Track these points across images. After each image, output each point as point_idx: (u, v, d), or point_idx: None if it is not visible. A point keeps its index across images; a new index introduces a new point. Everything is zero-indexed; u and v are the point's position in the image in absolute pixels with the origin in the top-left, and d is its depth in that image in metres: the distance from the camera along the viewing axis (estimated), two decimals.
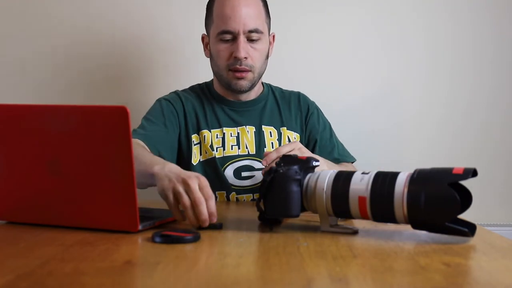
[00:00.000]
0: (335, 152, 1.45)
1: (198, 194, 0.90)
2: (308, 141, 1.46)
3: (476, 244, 0.81)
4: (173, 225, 0.94)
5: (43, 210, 0.91)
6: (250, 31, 1.32)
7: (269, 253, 0.75)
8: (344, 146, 1.51)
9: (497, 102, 1.82)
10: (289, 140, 1.43)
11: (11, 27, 1.81)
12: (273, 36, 1.44)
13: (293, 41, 1.81)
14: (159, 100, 1.43)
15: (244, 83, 1.36)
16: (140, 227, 0.86)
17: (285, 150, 1.09)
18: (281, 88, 1.54)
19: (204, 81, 1.51)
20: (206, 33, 1.43)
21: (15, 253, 0.74)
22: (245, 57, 1.33)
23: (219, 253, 0.75)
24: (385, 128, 1.81)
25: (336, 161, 1.41)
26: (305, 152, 1.13)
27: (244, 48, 1.32)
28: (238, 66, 1.33)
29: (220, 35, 1.33)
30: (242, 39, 1.32)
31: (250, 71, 1.35)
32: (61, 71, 1.81)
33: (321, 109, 1.53)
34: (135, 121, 1.36)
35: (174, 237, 0.80)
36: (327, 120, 1.52)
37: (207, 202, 0.90)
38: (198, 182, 0.92)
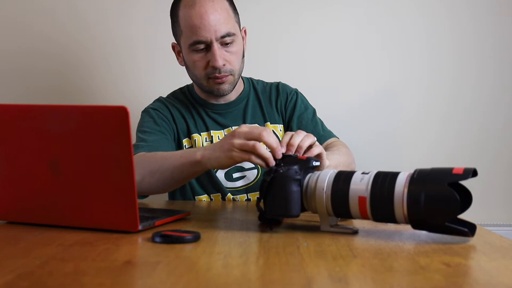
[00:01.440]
0: (319, 129, 1.43)
1: (255, 132, 0.95)
2: (288, 125, 1.44)
3: (476, 244, 0.81)
4: (173, 225, 0.94)
5: (43, 210, 0.91)
6: (223, 37, 1.29)
7: (269, 253, 0.75)
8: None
9: (498, 102, 1.82)
10: (276, 134, 1.41)
11: (11, 26, 1.81)
12: (245, 31, 1.41)
13: (293, 42, 1.81)
14: (146, 111, 1.41)
15: (226, 87, 1.34)
16: (140, 227, 0.86)
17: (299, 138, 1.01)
18: (263, 82, 1.52)
19: (185, 84, 1.49)
20: (175, 42, 1.40)
21: (15, 253, 0.74)
22: (223, 64, 1.30)
23: (219, 253, 0.75)
24: (386, 129, 1.81)
25: (323, 138, 1.39)
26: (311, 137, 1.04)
27: (220, 56, 1.28)
28: (217, 75, 1.31)
29: (193, 46, 1.30)
30: (216, 46, 1.28)
31: (231, 74, 1.33)
32: (61, 70, 1.81)
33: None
34: (135, 121, 1.37)
35: (174, 237, 0.80)
36: (310, 105, 1.50)
37: (266, 131, 0.95)
38: (242, 127, 0.97)
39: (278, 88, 1.49)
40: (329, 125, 1.50)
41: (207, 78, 1.33)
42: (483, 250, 0.78)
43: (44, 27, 1.80)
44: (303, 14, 1.80)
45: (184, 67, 1.41)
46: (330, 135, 1.44)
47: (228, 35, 1.29)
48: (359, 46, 1.82)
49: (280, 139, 1.39)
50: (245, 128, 0.98)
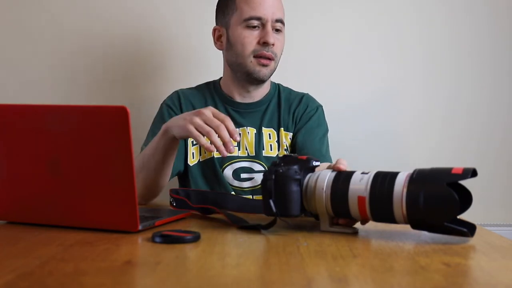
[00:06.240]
0: (323, 150, 1.41)
1: (216, 122, 1.05)
2: (295, 134, 1.43)
3: (476, 244, 0.81)
4: (173, 225, 0.94)
5: (43, 210, 0.91)
6: (277, 21, 1.35)
7: (269, 253, 0.75)
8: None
9: (498, 102, 1.82)
10: (285, 142, 1.42)
11: (12, 27, 1.81)
12: None
13: (293, 42, 1.81)
14: (161, 106, 1.44)
15: (266, 72, 1.36)
16: (140, 227, 0.86)
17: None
18: (290, 89, 1.52)
19: (212, 80, 1.51)
20: (217, 26, 1.43)
21: (15, 253, 0.74)
22: (273, 44, 1.34)
23: (219, 253, 0.75)
24: (387, 129, 1.81)
25: (323, 159, 1.36)
26: None
27: (273, 35, 1.34)
28: (265, 52, 1.33)
29: (247, 21, 1.33)
30: (270, 25, 1.33)
31: (274, 60, 1.36)
32: (62, 70, 1.81)
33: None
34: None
35: (174, 237, 0.80)
36: (325, 123, 1.48)
37: (225, 123, 1.05)
38: (208, 110, 1.07)
39: (302, 99, 1.48)
40: (329, 124, 1.50)
41: (253, 56, 1.35)
42: (483, 250, 0.78)
43: (47, 25, 1.80)
44: (303, 15, 1.80)
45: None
46: (329, 160, 1.41)
47: (281, 22, 1.37)
48: (359, 46, 1.82)
49: (288, 146, 1.41)
50: (209, 113, 1.07)
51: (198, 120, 1.06)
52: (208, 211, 1.05)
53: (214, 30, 1.44)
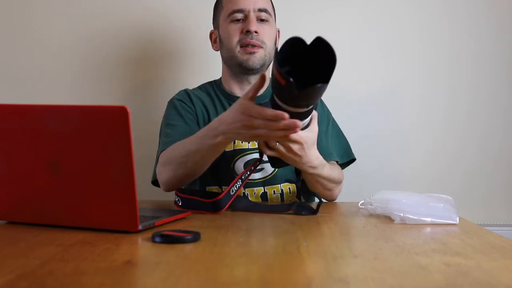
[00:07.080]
0: (329, 145, 1.40)
1: (262, 123, 0.96)
2: None
3: (476, 244, 0.81)
4: (173, 225, 0.94)
5: (43, 210, 0.91)
6: (260, 10, 1.38)
7: (269, 253, 0.75)
8: (343, 145, 1.46)
9: (498, 102, 1.81)
10: None
11: (13, 27, 1.81)
12: (278, 31, 1.47)
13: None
14: (171, 101, 1.45)
15: (255, 60, 1.37)
16: (140, 227, 0.86)
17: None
18: None
19: (214, 79, 1.52)
20: (212, 30, 1.47)
21: (15, 253, 0.75)
22: (256, 32, 1.36)
23: (219, 253, 0.75)
24: (386, 129, 1.81)
25: (330, 156, 1.36)
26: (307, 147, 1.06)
27: (255, 23, 1.36)
28: (249, 40, 1.36)
29: (231, 16, 1.38)
30: (253, 15, 1.36)
31: (262, 47, 1.38)
32: (63, 70, 1.81)
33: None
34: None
35: (174, 237, 0.80)
36: (326, 115, 1.48)
37: (265, 116, 0.95)
38: (247, 114, 0.98)
39: None
40: None
41: (240, 46, 1.38)
42: (483, 250, 0.78)
43: (46, 24, 1.81)
44: (302, 14, 1.80)
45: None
46: (331, 157, 1.38)
47: (265, 11, 1.39)
48: (359, 46, 1.81)
49: None
50: (248, 119, 0.98)
51: (250, 133, 0.99)
52: (212, 194, 1.08)
53: (211, 34, 1.49)
